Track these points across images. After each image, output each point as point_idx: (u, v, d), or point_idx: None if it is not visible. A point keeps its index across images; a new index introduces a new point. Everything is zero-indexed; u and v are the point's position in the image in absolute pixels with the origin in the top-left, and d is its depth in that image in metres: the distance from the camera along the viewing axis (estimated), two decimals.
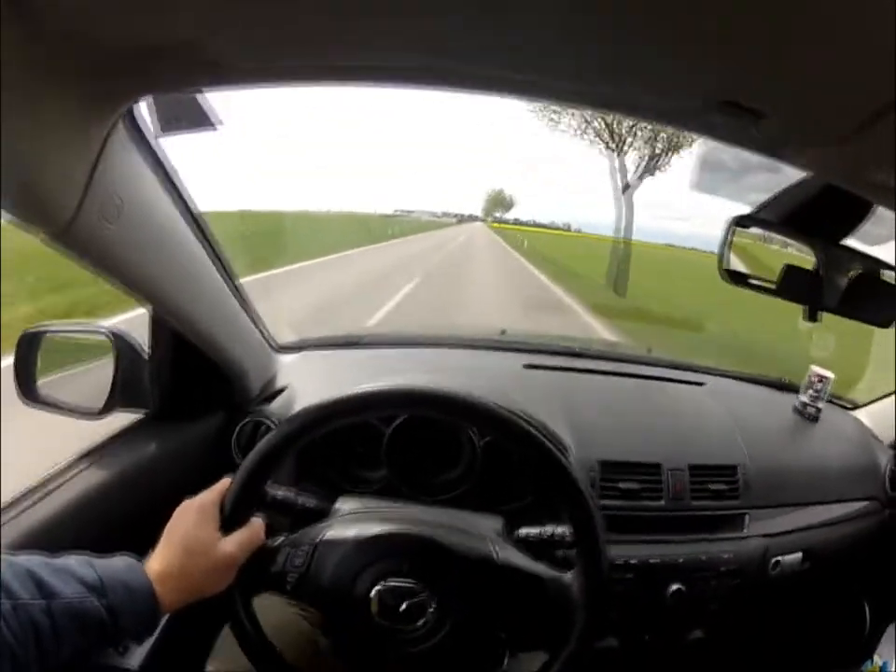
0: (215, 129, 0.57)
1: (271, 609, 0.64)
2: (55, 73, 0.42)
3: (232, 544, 0.57)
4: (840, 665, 1.26)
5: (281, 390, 0.96)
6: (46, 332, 0.79)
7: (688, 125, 0.52)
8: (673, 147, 11.06)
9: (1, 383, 0.85)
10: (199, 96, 0.55)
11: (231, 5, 0.38)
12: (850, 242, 0.69)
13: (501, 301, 7.53)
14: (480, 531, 0.67)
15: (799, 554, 1.00)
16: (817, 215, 0.64)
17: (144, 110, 0.56)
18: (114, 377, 0.76)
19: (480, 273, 11.30)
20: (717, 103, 0.43)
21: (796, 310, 0.72)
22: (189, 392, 0.85)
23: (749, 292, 0.73)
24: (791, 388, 1.23)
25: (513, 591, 0.61)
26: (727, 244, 0.68)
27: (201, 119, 0.56)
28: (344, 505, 0.72)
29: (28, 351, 0.77)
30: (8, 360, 0.76)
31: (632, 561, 0.86)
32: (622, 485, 0.90)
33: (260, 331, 0.98)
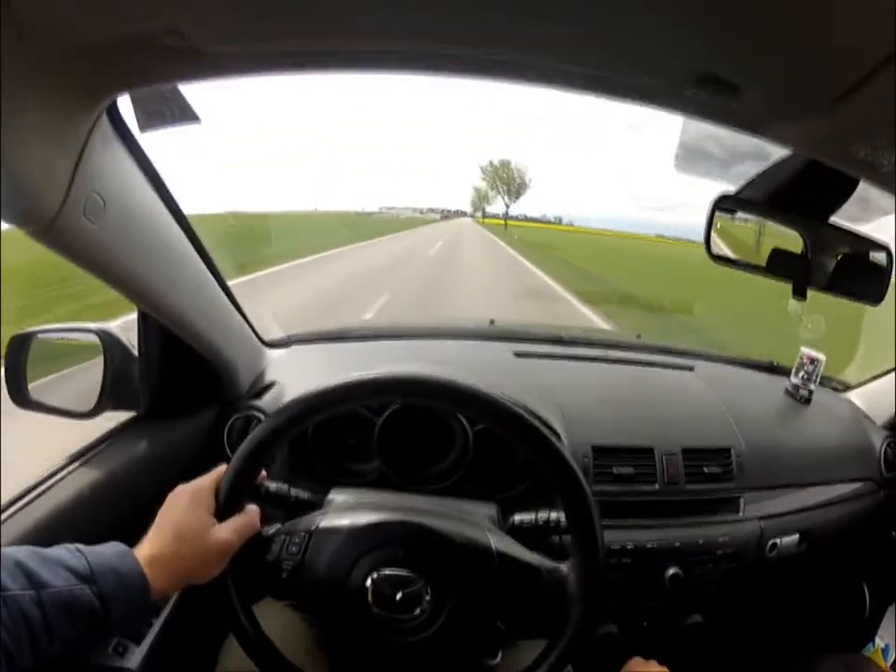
0: (198, 122, 0.57)
1: (272, 612, 0.64)
2: (34, 68, 0.42)
3: (227, 531, 0.57)
4: (841, 647, 1.26)
5: (271, 385, 0.96)
6: (36, 334, 0.78)
7: (667, 103, 0.52)
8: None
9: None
10: (180, 90, 0.55)
11: None
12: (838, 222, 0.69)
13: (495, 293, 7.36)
14: (474, 519, 0.67)
15: (796, 536, 1.00)
16: (801, 192, 0.64)
17: (126, 107, 0.56)
18: (104, 377, 0.76)
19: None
20: (694, 78, 0.43)
21: (787, 293, 0.72)
22: (179, 389, 0.85)
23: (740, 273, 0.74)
24: (782, 371, 1.24)
25: (509, 580, 0.61)
26: (712, 225, 0.68)
27: (183, 113, 0.56)
28: (338, 496, 0.72)
29: (18, 354, 0.76)
30: None
31: (628, 546, 0.86)
32: (615, 470, 0.90)
33: (249, 326, 0.98)
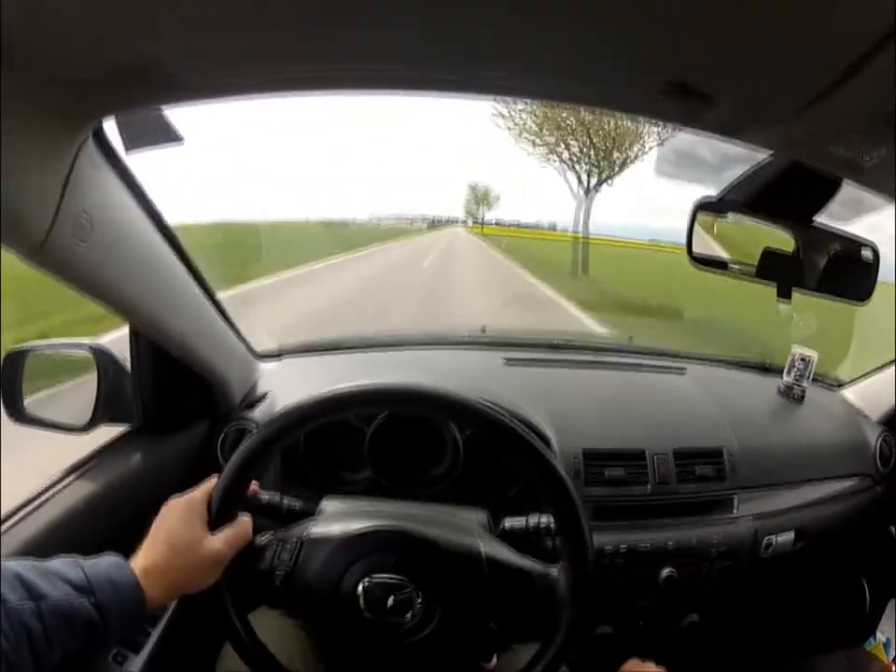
0: (181, 143, 0.58)
1: (268, 619, 0.65)
2: (21, 96, 0.43)
3: (220, 541, 0.58)
4: (842, 643, 1.26)
5: (264, 396, 0.97)
6: (30, 351, 0.80)
7: (640, 111, 0.52)
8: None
9: None
10: (163, 112, 0.56)
11: (190, 23, 0.39)
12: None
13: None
14: (465, 525, 0.68)
15: (791, 534, 1.00)
16: (785, 194, 0.64)
17: (112, 129, 0.57)
18: (98, 392, 0.77)
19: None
20: (667, 87, 0.43)
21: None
22: (172, 403, 0.86)
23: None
24: (775, 371, 1.24)
25: (501, 585, 0.62)
26: (693, 229, 0.69)
27: (166, 135, 0.57)
28: (330, 505, 0.73)
29: (13, 370, 0.78)
30: None
31: (622, 548, 0.87)
32: (607, 473, 0.91)
33: (240, 339, 0.99)
